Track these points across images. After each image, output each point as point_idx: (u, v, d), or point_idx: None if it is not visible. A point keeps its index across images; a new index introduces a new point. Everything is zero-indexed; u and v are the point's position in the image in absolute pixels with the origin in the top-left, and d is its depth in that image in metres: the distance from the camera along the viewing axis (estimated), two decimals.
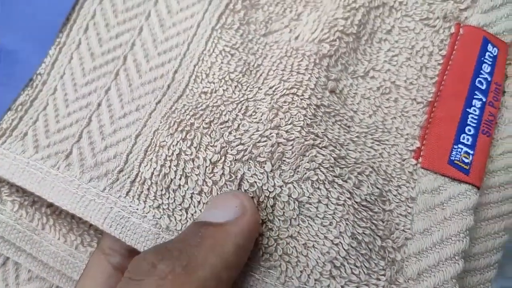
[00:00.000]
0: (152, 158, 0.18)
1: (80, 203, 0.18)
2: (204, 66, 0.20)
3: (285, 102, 0.18)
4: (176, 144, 0.18)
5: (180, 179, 0.17)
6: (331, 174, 0.17)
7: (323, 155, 0.17)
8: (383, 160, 0.18)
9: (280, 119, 0.18)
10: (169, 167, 0.18)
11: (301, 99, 0.18)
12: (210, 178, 0.17)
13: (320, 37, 0.20)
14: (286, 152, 0.17)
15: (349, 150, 0.18)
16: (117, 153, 0.19)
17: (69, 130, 0.20)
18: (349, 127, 0.19)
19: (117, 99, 0.20)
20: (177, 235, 0.16)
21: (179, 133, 0.18)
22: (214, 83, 0.20)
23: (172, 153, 0.18)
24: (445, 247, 0.17)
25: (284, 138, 0.17)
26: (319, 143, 0.17)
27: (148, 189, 0.18)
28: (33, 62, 0.21)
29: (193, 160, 0.17)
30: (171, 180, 0.17)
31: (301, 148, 0.17)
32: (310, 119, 0.18)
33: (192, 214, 0.17)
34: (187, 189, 0.17)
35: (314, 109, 0.18)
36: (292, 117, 0.18)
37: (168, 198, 0.17)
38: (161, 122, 0.19)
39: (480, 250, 0.18)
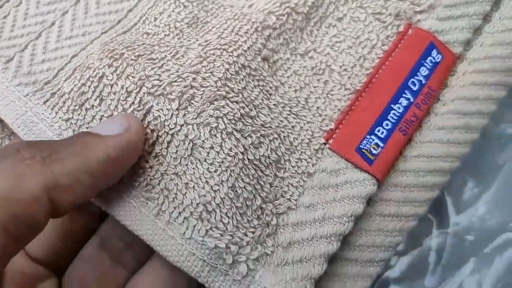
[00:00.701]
0: (77, 76, 0.19)
1: (1, 101, 0.19)
2: (156, 11, 0.21)
3: (213, 54, 0.19)
4: (102, 68, 0.19)
5: (95, 100, 0.18)
6: (231, 126, 0.17)
7: (231, 108, 0.17)
8: (293, 132, 0.19)
9: (202, 66, 0.18)
10: (89, 86, 0.19)
11: (229, 55, 0.18)
12: (122, 105, 0.18)
13: (270, 9, 0.20)
14: (196, 96, 0.17)
15: (261, 113, 0.18)
16: (51, 67, 0.20)
17: (19, 40, 0.21)
18: (270, 94, 0.19)
19: (70, 22, 0.21)
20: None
21: (108, 59, 0.19)
22: (159, 27, 0.21)
23: (96, 75, 0.19)
24: (324, 226, 0.17)
25: (198, 83, 0.18)
26: (231, 97, 0.18)
27: (64, 102, 0.19)
28: None
29: (111, 86, 0.18)
30: (87, 99, 0.18)
31: (210, 96, 0.17)
32: (231, 74, 0.18)
33: None
34: (99, 111, 0.18)
35: (239, 67, 0.18)
36: (214, 68, 0.18)
37: (79, 115, 0.18)
38: (98, 49, 0.20)
39: (367, 243, 0.18)
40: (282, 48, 0.20)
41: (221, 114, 0.17)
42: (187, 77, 0.18)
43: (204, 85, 0.18)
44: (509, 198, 0.23)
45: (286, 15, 0.20)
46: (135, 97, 0.18)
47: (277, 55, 0.20)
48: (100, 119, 0.18)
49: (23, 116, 0.19)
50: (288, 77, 0.20)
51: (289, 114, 0.19)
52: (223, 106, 0.17)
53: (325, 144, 0.19)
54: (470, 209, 0.23)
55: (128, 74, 0.18)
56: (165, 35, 0.21)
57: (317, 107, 0.19)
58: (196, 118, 0.17)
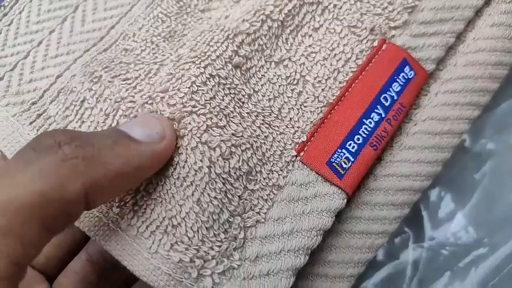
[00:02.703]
0: (61, 99, 0.20)
1: None
2: (135, 27, 0.22)
3: (182, 69, 0.19)
4: (83, 92, 0.20)
5: (77, 122, 0.19)
6: (195, 140, 0.17)
7: (196, 122, 0.18)
8: (266, 143, 0.19)
9: (170, 84, 0.18)
10: (72, 110, 0.20)
11: (197, 67, 0.19)
12: (101, 127, 0.19)
13: (244, 17, 0.21)
14: (164, 115, 0.18)
15: (232, 122, 0.18)
16: (37, 87, 0.21)
17: (9, 59, 0.22)
18: (243, 102, 0.19)
19: (56, 41, 0.22)
20: (95, 131, 0.17)
21: (88, 82, 0.20)
22: (136, 42, 0.21)
23: (78, 99, 0.20)
24: (292, 239, 0.17)
25: (165, 102, 0.18)
26: (197, 110, 0.18)
27: (50, 124, 0.20)
28: None
29: (92, 109, 0.19)
30: (70, 122, 0.20)
31: (176, 114, 0.18)
32: (198, 86, 0.18)
33: None
34: None
35: (206, 78, 0.19)
36: (181, 84, 0.18)
37: None
38: (80, 70, 0.21)
39: (336, 259, 0.19)
40: (256, 54, 0.20)
41: (186, 132, 0.18)
42: (156, 97, 0.18)
43: (170, 104, 0.18)
44: (485, 214, 0.23)
45: (260, 22, 0.20)
46: (113, 120, 0.18)
47: (250, 62, 0.20)
48: None
49: (10, 137, 0.19)
50: (262, 85, 0.20)
51: (262, 124, 0.19)
52: (189, 123, 0.18)
53: (296, 156, 0.19)
54: (446, 224, 0.24)
55: (106, 97, 0.19)
56: (141, 50, 0.21)
57: (290, 118, 0.20)
58: None
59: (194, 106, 0.18)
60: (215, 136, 0.18)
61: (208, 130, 0.18)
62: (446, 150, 0.21)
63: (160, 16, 0.22)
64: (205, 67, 0.19)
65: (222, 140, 0.18)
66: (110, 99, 0.19)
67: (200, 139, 0.17)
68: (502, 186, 0.24)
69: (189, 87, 0.18)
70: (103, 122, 0.19)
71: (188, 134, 0.18)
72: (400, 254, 0.23)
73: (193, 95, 0.18)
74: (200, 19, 0.22)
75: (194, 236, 0.16)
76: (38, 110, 0.20)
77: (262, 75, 0.20)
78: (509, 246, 0.23)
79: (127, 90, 0.19)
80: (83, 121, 0.19)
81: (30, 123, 0.20)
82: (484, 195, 0.24)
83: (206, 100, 0.18)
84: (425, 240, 0.23)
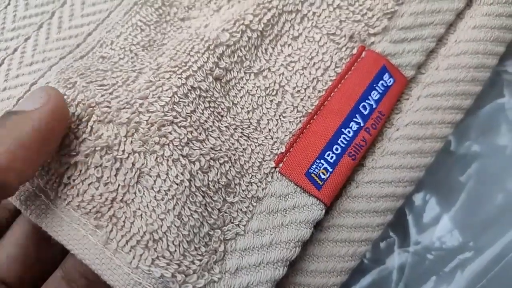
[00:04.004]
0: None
1: None
2: (113, 34, 0.22)
3: (163, 77, 0.19)
4: None
5: None
6: (177, 153, 0.18)
7: (178, 133, 0.18)
8: (245, 155, 0.19)
9: (150, 91, 0.19)
10: None
11: (178, 78, 0.19)
12: (73, 132, 0.19)
13: (224, 26, 0.21)
14: (142, 122, 0.18)
15: (211, 136, 0.19)
16: (11, 96, 0.21)
17: None
18: (222, 116, 0.20)
19: (31, 48, 0.22)
20: None
21: (62, 88, 0.20)
22: (114, 50, 0.22)
23: None
24: (271, 251, 0.18)
25: (145, 108, 0.18)
26: (179, 122, 0.18)
27: None
28: None
29: None
30: None
31: (157, 122, 0.18)
32: (179, 98, 0.19)
33: None
34: None
35: (188, 89, 0.19)
36: (162, 92, 0.19)
37: None
38: (54, 77, 0.21)
39: (319, 269, 0.19)
40: (236, 66, 0.21)
41: (167, 141, 0.18)
42: (134, 102, 0.19)
43: (150, 110, 0.18)
44: (469, 217, 0.24)
45: (240, 32, 0.21)
46: (86, 125, 0.19)
47: (230, 74, 0.21)
48: None
49: None
50: (241, 97, 0.20)
51: (240, 136, 0.20)
52: (170, 132, 0.18)
53: (275, 167, 0.19)
54: (431, 228, 0.24)
55: (79, 102, 0.19)
56: (119, 58, 0.21)
57: (269, 129, 0.20)
58: (142, 146, 0.18)
59: (175, 117, 0.18)
60: (195, 149, 0.18)
61: (189, 143, 0.18)
62: (429, 154, 0.21)
63: (139, 24, 0.22)
64: (186, 78, 0.19)
65: (201, 154, 0.18)
66: (83, 104, 0.19)
67: (181, 152, 0.18)
68: (488, 188, 0.24)
69: (170, 97, 0.19)
70: (76, 128, 0.19)
71: (169, 144, 0.18)
72: (386, 259, 0.24)
73: (174, 106, 0.19)
74: (180, 28, 0.23)
75: (175, 250, 0.17)
76: None
77: (241, 87, 0.21)
78: (495, 249, 0.23)
79: (102, 95, 0.19)
80: None
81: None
82: (469, 198, 0.24)
83: (187, 113, 0.19)
84: (410, 245, 0.24)
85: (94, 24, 0.23)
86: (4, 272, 0.19)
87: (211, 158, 0.18)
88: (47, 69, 0.22)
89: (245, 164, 0.19)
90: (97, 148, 0.18)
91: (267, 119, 0.20)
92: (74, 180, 0.18)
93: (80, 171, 0.18)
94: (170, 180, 0.18)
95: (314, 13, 0.22)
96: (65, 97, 0.19)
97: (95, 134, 0.19)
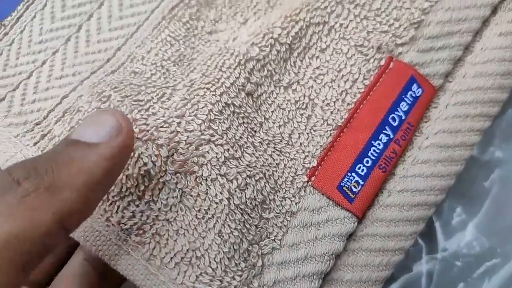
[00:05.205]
0: (67, 119, 0.21)
1: None
2: (144, 50, 0.23)
3: (197, 94, 0.20)
4: (90, 111, 0.20)
5: None
6: (215, 172, 0.19)
7: (215, 152, 0.19)
8: (278, 170, 0.20)
9: (187, 109, 0.19)
10: None
11: (212, 95, 0.20)
12: None
13: (253, 40, 0.21)
14: (181, 142, 0.19)
15: (246, 152, 0.20)
16: (41, 108, 0.22)
17: (11, 79, 0.23)
18: (255, 131, 0.20)
19: (60, 62, 0.23)
20: (47, 151, 0.15)
21: (96, 101, 0.20)
22: (146, 65, 0.22)
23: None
24: (306, 265, 0.19)
25: (183, 128, 0.19)
26: (215, 140, 0.19)
27: (54, 144, 0.20)
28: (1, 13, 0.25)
29: None
30: None
31: (195, 141, 0.19)
32: (215, 115, 0.19)
33: None
34: None
35: (222, 106, 0.20)
36: (198, 110, 0.19)
37: None
38: (87, 91, 0.21)
39: (354, 278, 0.20)
40: (266, 80, 0.21)
41: (205, 161, 0.19)
42: (172, 122, 0.19)
43: (188, 130, 0.19)
44: (496, 223, 0.24)
45: (269, 46, 0.21)
46: None
47: (261, 89, 0.21)
48: None
49: (13, 158, 0.20)
50: (272, 111, 0.21)
51: (273, 151, 0.20)
52: (207, 152, 0.19)
53: (308, 182, 0.20)
54: (458, 235, 0.25)
55: None
56: (151, 74, 0.22)
57: (300, 143, 0.21)
58: (183, 166, 0.19)
59: (212, 135, 0.19)
60: (232, 168, 0.19)
61: (226, 162, 0.19)
62: (459, 162, 0.22)
63: (169, 39, 0.23)
64: (220, 95, 0.20)
65: (238, 172, 0.19)
66: None
67: (219, 171, 0.19)
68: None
69: (206, 115, 0.19)
70: None
71: (207, 164, 0.19)
72: (413, 266, 0.25)
73: (210, 124, 0.19)
74: (208, 42, 0.23)
75: (217, 267, 0.18)
76: (42, 131, 0.21)
77: (272, 101, 0.21)
78: None
79: (139, 111, 0.19)
80: None
81: (34, 144, 0.21)
82: (494, 204, 0.25)
83: (223, 130, 0.19)
84: (438, 252, 0.24)
85: (123, 38, 0.23)
86: None
87: (247, 176, 0.19)
88: (78, 83, 0.22)
89: (279, 179, 0.20)
90: (140, 169, 0.18)
91: (298, 133, 0.21)
92: (113, 197, 0.19)
93: (121, 188, 0.18)
94: (209, 200, 0.18)
95: (341, 25, 0.22)
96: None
97: (134, 153, 0.19)
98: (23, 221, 0.13)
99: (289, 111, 0.21)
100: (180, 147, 0.19)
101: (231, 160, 0.19)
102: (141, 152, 0.19)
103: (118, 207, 0.18)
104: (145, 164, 0.19)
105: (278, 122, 0.21)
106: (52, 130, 0.21)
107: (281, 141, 0.21)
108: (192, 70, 0.22)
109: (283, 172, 0.20)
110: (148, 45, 0.23)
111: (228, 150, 0.19)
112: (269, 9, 0.24)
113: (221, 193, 0.18)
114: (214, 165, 0.19)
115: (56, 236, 0.14)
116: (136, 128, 0.19)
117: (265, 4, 0.24)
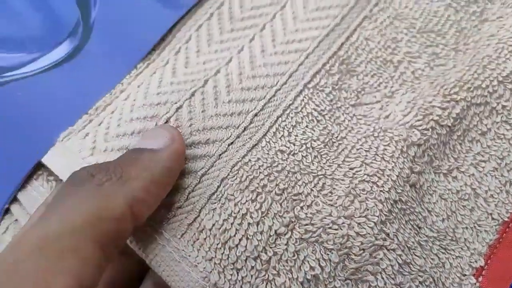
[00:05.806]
0: (216, 208, 0.19)
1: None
2: (288, 123, 0.21)
3: (363, 190, 0.19)
4: (244, 203, 0.19)
5: (240, 239, 0.18)
6: (391, 282, 0.18)
7: (389, 259, 0.18)
8: (444, 271, 0.19)
9: (356, 209, 0.18)
10: (232, 224, 0.18)
11: (380, 191, 0.19)
12: (271, 247, 0.18)
13: (412, 122, 0.20)
14: (354, 248, 0.18)
15: (415, 255, 0.19)
16: (180, 188, 0.19)
17: (126, 140, 0.20)
18: (420, 228, 0.19)
19: (188, 123, 0.20)
20: (115, 158, 0.18)
21: (249, 192, 0.19)
22: (294, 145, 0.20)
23: (239, 211, 0.18)
24: None
25: (355, 232, 0.18)
26: (388, 245, 0.18)
27: (205, 239, 0.18)
28: (120, 72, 0.23)
29: (257, 224, 0.18)
30: (230, 237, 0.18)
31: (369, 248, 0.18)
32: (385, 215, 0.18)
33: (243, 277, 0.18)
34: (244, 251, 0.18)
35: (391, 204, 0.19)
36: (368, 210, 0.18)
37: (222, 254, 0.18)
38: (230, 171, 0.19)
39: None
40: (426, 167, 0.20)
41: (380, 269, 0.18)
42: (342, 223, 0.18)
43: (361, 233, 0.18)
44: None
45: (430, 129, 0.20)
46: (287, 243, 0.18)
47: (422, 177, 0.20)
48: (246, 260, 0.18)
49: (161, 252, 0.18)
50: (434, 203, 0.20)
51: (439, 249, 0.19)
52: (381, 259, 0.18)
53: (475, 283, 0.19)
54: None
55: (275, 213, 0.18)
56: (302, 156, 0.20)
57: (465, 239, 0.20)
58: (354, 274, 0.18)
59: (384, 240, 0.18)
60: (405, 275, 0.18)
61: (400, 270, 0.18)
62: None
63: (315, 114, 0.21)
64: (388, 191, 0.19)
65: (411, 279, 0.18)
66: (281, 217, 0.18)
67: (395, 280, 0.18)
68: None
69: (378, 216, 0.18)
70: (273, 243, 0.18)
71: (381, 273, 0.18)
72: None
73: (382, 226, 0.18)
74: (354, 117, 0.21)
75: None
76: (186, 218, 0.19)
77: (433, 191, 0.20)
78: None
79: (301, 208, 0.18)
80: (248, 238, 0.18)
81: (182, 236, 0.19)
82: None
83: (393, 233, 0.18)
84: None
85: (259, 102, 0.21)
86: None
87: (419, 282, 0.18)
88: (216, 158, 0.20)
89: (446, 281, 0.19)
90: (306, 273, 0.18)
91: (462, 228, 0.20)
92: None
93: None
94: None
95: (503, 107, 0.21)
96: (257, 204, 0.19)
97: (299, 256, 0.18)
98: (100, 204, 0.15)
99: (451, 202, 0.20)
100: (353, 253, 0.18)
101: (403, 266, 0.18)
102: (307, 255, 0.18)
103: None
104: (312, 268, 0.18)
105: (442, 216, 0.20)
106: (198, 218, 0.19)
107: (445, 237, 0.20)
108: (347, 154, 0.20)
109: (449, 272, 0.19)
110: (293, 118, 0.21)
111: (400, 255, 0.18)
112: (415, 81, 0.22)
113: None
114: (389, 274, 0.18)
115: (126, 221, 0.16)
116: (301, 228, 0.18)
117: (410, 75, 0.22)
